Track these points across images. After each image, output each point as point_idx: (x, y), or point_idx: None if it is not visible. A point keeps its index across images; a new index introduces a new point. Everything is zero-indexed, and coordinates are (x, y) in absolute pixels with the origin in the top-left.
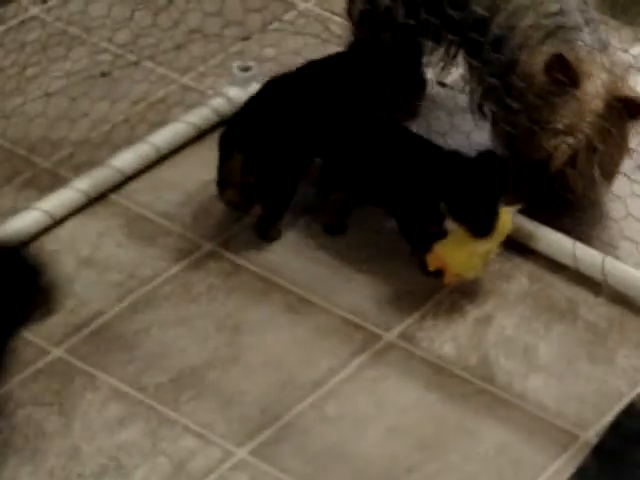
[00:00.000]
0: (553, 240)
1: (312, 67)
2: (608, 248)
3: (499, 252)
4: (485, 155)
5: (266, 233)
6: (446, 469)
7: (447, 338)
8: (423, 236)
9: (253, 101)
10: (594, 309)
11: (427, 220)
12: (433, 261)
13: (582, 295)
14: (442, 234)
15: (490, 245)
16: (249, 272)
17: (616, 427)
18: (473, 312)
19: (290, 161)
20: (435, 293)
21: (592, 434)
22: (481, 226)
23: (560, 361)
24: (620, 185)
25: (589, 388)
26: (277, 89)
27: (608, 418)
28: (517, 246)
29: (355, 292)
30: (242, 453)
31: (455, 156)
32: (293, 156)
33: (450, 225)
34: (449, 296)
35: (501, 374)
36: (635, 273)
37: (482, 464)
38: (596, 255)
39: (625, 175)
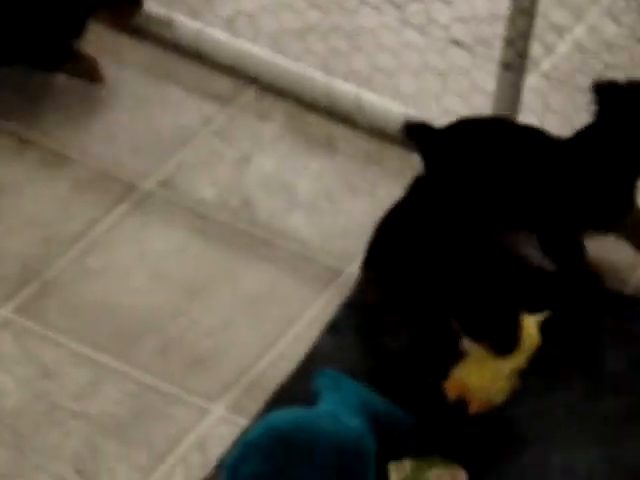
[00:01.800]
0: (306, 77)
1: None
2: (362, 81)
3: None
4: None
5: None
6: (212, 311)
7: (206, 182)
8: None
9: None
10: (352, 143)
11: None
12: (453, 389)
13: (339, 130)
14: (456, 356)
15: (516, 363)
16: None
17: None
18: (231, 154)
19: None
20: (192, 138)
21: (356, 266)
22: (503, 342)
23: (321, 197)
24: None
25: (351, 222)
26: None
27: None
28: (271, 86)
29: (110, 143)
30: (5, 312)
31: (465, 264)
32: None
33: (467, 344)
34: (206, 140)
35: (262, 214)
36: (390, 104)
37: (248, 304)
38: (350, 89)
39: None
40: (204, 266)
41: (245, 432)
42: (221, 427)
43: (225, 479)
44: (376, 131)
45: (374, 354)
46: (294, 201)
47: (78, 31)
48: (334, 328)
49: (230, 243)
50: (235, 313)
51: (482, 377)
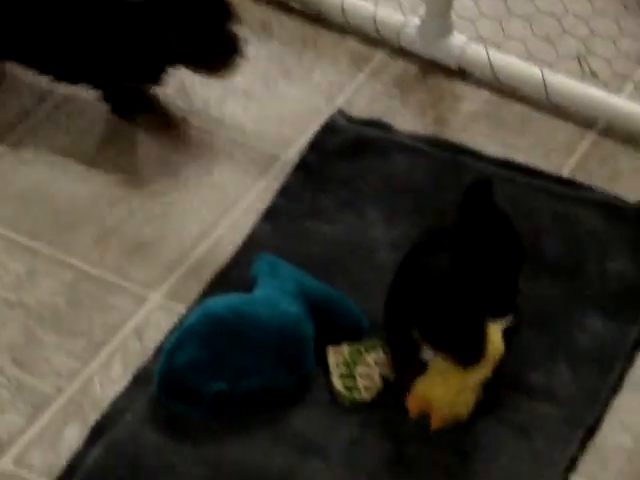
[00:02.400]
0: None
1: None
2: None
3: None
4: (461, 264)
5: None
6: (150, 199)
7: None
8: (399, 372)
9: None
10: (287, 28)
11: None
12: (415, 404)
13: (275, 15)
14: (419, 368)
15: (482, 374)
16: None
17: (316, 144)
18: None
19: None
20: None
21: (293, 153)
22: (468, 353)
23: (257, 83)
24: None
25: (287, 108)
26: None
27: (308, 136)
28: None
29: None
30: None
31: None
32: None
33: (427, 355)
34: None
35: (198, 101)
36: None
37: (185, 193)
38: None
39: None
40: (142, 155)
41: (183, 319)
42: (159, 314)
43: (162, 365)
44: (311, 16)
45: (311, 240)
46: (230, 88)
47: (156, 77)
48: (271, 214)
49: (167, 132)
50: (173, 201)
51: (446, 391)
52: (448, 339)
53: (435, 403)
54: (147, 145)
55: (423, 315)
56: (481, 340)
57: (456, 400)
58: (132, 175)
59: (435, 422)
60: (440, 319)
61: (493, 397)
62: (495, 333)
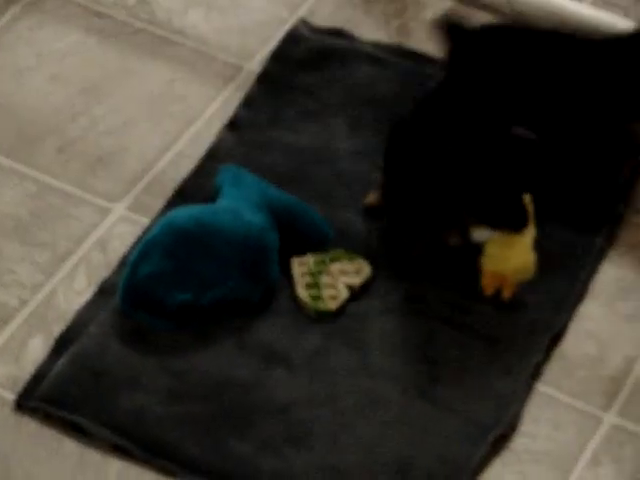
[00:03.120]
0: None
1: None
2: None
3: None
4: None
5: None
6: (112, 111)
7: None
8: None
9: None
10: None
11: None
12: (490, 282)
13: None
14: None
15: (532, 232)
16: None
17: (279, 54)
18: None
19: None
20: None
21: (256, 63)
22: (519, 219)
23: None
24: None
25: (250, 18)
26: None
27: (271, 46)
28: None
29: None
30: None
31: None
32: None
33: (481, 236)
34: None
35: (160, 12)
36: None
37: (148, 103)
38: None
39: None
40: (103, 65)
41: (146, 231)
42: (123, 226)
43: (126, 277)
44: None
45: (274, 150)
46: None
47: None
48: (235, 125)
49: (128, 42)
50: (135, 112)
51: (515, 258)
52: (503, 214)
53: (508, 272)
54: (109, 57)
55: (475, 203)
56: (524, 206)
57: (525, 263)
58: (92, 86)
59: (508, 291)
60: (495, 201)
61: (459, 305)
62: (526, 197)
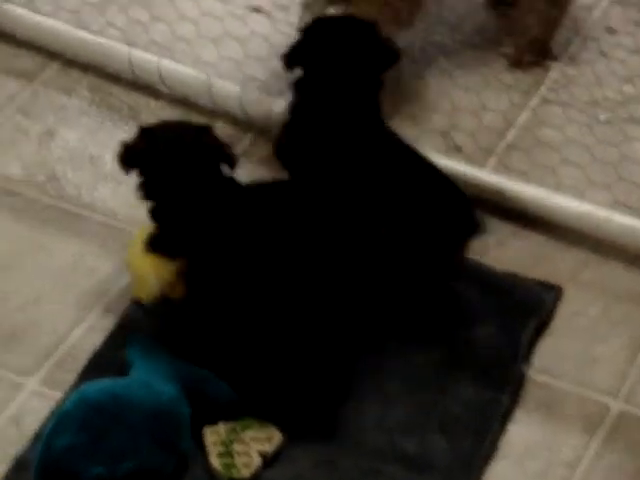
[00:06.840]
0: (108, 49)
1: None
2: (164, 51)
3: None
4: None
5: None
6: (22, 286)
7: (12, 158)
8: None
9: None
10: (155, 112)
11: None
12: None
13: (143, 100)
14: None
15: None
16: None
17: None
18: (36, 130)
19: None
20: None
21: None
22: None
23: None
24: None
25: None
26: None
27: None
28: (74, 60)
29: None
30: None
31: None
32: None
33: None
34: (10, 117)
35: (70, 187)
36: (191, 72)
37: (58, 278)
38: (152, 59)
39: None
40: (13, 241)
41: (60, 404)
42: (36, 401)
43: (41, 452)
44: (179, 100)
45: (179, 322)
46: (101, 173)
47: None
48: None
49: (38, 218)
50: (45, 287)
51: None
52: None
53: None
54: (19, 233)
55: None
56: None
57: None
58: (2, 262)
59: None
60: None
61: (369, 468)
62: None
